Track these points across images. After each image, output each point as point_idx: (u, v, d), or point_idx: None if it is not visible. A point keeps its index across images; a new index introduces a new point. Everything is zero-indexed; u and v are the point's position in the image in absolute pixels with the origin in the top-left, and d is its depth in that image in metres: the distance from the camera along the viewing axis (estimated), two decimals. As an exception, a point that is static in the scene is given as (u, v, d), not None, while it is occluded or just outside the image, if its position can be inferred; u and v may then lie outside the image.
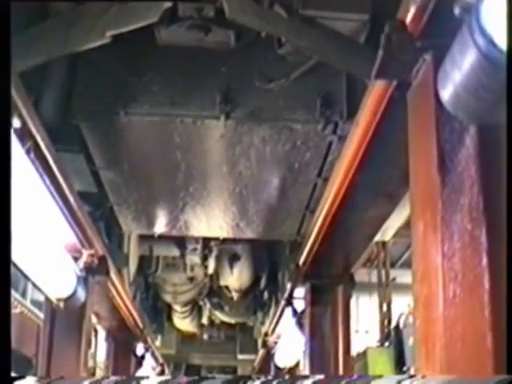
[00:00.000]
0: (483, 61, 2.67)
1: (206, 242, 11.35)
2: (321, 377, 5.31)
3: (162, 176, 6.92)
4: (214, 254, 11.69)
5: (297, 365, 11.43)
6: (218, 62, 5.68)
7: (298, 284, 8.26)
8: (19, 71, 4.21)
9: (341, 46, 4.53)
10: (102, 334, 11.89)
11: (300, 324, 8.80)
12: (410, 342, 12.08)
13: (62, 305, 6.30)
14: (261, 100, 5.71)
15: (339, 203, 5.90)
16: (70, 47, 4.75)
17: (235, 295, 13.74)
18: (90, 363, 12.34)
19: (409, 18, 3.46)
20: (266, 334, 12.82)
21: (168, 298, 14.00)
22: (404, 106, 3.86)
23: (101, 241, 7.08)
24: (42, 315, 10.28)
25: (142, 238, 10.48)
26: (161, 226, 8.31)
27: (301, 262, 7.70)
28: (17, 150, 4.29)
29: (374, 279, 15.43)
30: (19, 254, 5.06)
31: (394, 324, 13.98)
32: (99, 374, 15.26)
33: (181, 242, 11.24)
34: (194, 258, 11.81)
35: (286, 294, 9.04)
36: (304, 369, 8.34)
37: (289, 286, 8.66)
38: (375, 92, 4.19)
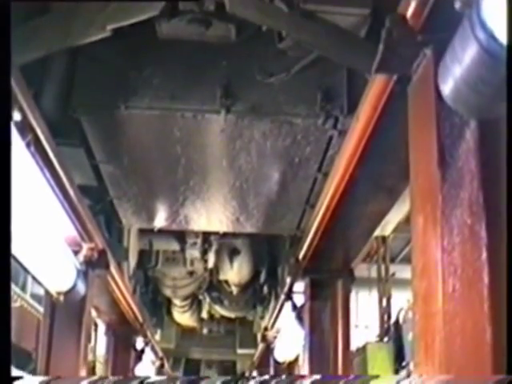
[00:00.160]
0: (484, 55, 2.67)
1: (206, 236, 11.37)
2: (318, 377, 5.32)
3: (162, 170, 6.92)
4: (213, 248, 11.71)
5: (296, 359, 11.44)
6: (218, 56, 5.67)
7: (297, 278, 8.26)
8: (20, 64, 4.21)
9: (341, 40, 4.52)
10: (101, 327, 11.90)
11: (299, 318, 8.81)
12: (409, 337, 12.09)
13: (61, 298, 6.31)
14: (261, 94, 5.71)
15: (339, 198, 5.90)
16: (70, 41, 4.75)
17: (235, 289, 13.75)
18: (90, 357, 12.37)
19: (409, 13, 3.45)
20: (265, 329, 12.83)
21: (168, 292, 14.01)
22: (404, 100, 3.86)
23: (101, 234, 7.09)
24: (41, 309, 10.29)
25: (142, 232, 10.49)
26: (161, 220, 8.31)
27: (301, 256, 7.71)
28: (17, 143, 4.29)
29: (374, 274, 15.44)
30: (19, 247, 5.06)
31: (393, 319, 13.99)
32: (99, 367, 15.29)
33: (181, 236, 11.26)
34: (193, 252, 11.82)
35: (286, 289, 9.04)
36: (303, 363, 8.35)
37: (288, 280, 8.67)
38: (376, 86, 4.19)
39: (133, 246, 10.23)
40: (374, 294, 15.40)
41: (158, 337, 15.85)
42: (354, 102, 5.10)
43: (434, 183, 3.31)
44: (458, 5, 2.84)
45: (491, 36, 2.61)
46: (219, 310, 15.46)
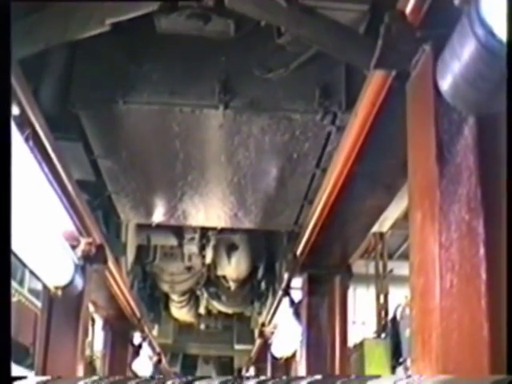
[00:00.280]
0: (482, 51, 2.67)
1: (204, 231, 11.38)
2: (317, 377, 5.32)
3: (160, 165, 6.92)
4: (211, 243, 11.71)
5: (293, 355, 11.45)
6: (217, 52, 5.67)
7: (295, 274, 8.26)
8: (18, 59, 4.21)
9: (340, 36, 4.52)
10: (99, 322, 11.91)
11: (297, 314, 8.81)
12: (406, 333, 12.14)
13: (59, 293, 6.31)
14: (260, 90, 5.71)
15: (337, 193, 5.90)
16: (69, 35, 4.74)
17: (232, 285, 13.75)
18: (87, 352, 12.38)
19: (409, 9, 3.45)
20: (262, 324, 12.84)
21: (165, 287, 14.01)
22: (403, 96, 3.86)
23: (99, 229, 7.09)
24: (39, 304, 10.30)
25: (140, 227, 10.49)
26: (159, 215, 8.31)
27: (298, 252, 7.71)
28: (16, 137, 4.29)
29: (372, 271, 15.48)
30: (17, 241, 5.06)
31: (390, 316, 14.03)
32: (96, 362, 15.29)
33: (179, 231, 11.26)
34: (191, 248, 11.83)
35: (284, 284, 9.05)
36: (300, 359, 8.35)
37: (286, 276, 8.67)
38: (374, 82, 4.19)
39: (131, 241, 10.23)
40: (372, 290, 15.46)
41: (155, 332, 15.86)
42: (353, 98, 5.10)
43: (432, 179, 3.31)
44: (457, 1, 2.84)
45: (490, 32, 2.61)
46: (217, 306, 15.47)
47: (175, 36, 5.49)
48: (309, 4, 4.61)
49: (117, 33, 4.82)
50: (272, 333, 12.35)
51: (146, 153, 6.65)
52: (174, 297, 15.18)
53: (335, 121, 5.78)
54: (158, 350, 15.36)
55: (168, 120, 5.93)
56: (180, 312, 16.38)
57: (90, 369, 15.30)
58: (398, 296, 13.76)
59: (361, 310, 17.65)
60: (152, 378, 13.81)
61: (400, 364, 12.83)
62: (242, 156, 6.51)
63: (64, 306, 6.82)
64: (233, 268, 12.47)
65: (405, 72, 3.73)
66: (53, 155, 5.04)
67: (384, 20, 3.51)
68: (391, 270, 15.48)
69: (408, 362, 11.92)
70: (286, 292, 9.12)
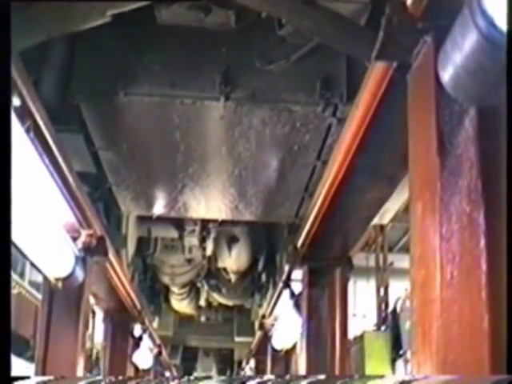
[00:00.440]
0: (484, 42, 2.67)
1: (205, 223, 11.39)
2: (319, 377, 5.33)
3: (161, 157, 6.93)
4: (212, 235, 11.72)
5: (294, 347, 11.47)
6: (218, 43, 5.67)
7: (295, 266, 8.26)
8: (19, 50, 4.21)
9: (341, 27, 4.51)
10: (99, 315, 11.92)
11: (297, 306, 8.81)
12: (406, 326, 12.15)
13: (60, 284, 6.31)
14: (261, 81, 5.71)
15: (338, 185, 5.89)
16: (70, 27, 4.74)
17: (233, 277, 13.76)
18: (88, 344, 12.39)
19: (410, 0, 3.45)
20: (263, 316, 12.85)
21: (166, 279, 14.03)
22: (404, 88, 3.85)
23: (99, 221, 7.09)
24: (39, 296, 10.31)
25: (141, 220, 10.50)
26: (159, 207, 8.32)
27: (299, 244, 7.71)
28: (16, 128, 4.29)
29: (372, 263, 15.48)
30: (18, 233, 5.06)
31: (391, 308, 14.03)
32: (96, 355, 15.32)
33: (179, 223, 11.28)
34: (192, 240, 11.85)
35: (284, 277, 9.05)
36: (301, 351, 8.36)
37: (287, 268, 8.68)
38: (375, 74, 4.18)
39: (131, 233, 10.24)
40: (372, 283, 15.45)
41: (155, 324, 15.89)
42: (354, 89, 5.10)
43: (433, 171, 3.31)
44: (458, -8, 2.84)
45: (491, 23, 2.61)
46: (217, 298, 15.49)
47: (176, 27, 5.49)
48: (310, -5, 4.60)
49: (117, 24, 4.82)
50: (272, 325, 12.36)
51: (146, 145, 6.65)
52: (175, 289, 15.20)
53: (336, 113, 5.78)
54: (158, 342, 15.38)
55: (169, 112, 5.94)
56: (180, 304, 16.40)
57: (91, 361, 15.35)
58: (399, 289, 13.77)
59: (361, 303, 17.66)
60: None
61: (400, 356, 12.85)
62: (243, 148, 6.51)
63: (64, 298, 6.82)
64: (233, 260, 12.48)
65: (406, 63, 3.73)
66: (53, 147, 5.04)
67: (385, 11, 3.51)
68: (391, 263, 15.47)
69: (408, 355, 11.93)
70: (287, 284, 9.12)
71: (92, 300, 9.20)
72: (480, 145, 3.13)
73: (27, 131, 4.52)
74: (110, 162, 7.00)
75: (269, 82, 5.70)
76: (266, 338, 13.52)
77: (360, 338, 13.07)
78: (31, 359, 10.76)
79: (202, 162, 6.93)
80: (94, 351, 16.26)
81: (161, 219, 9.82)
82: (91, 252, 6.92)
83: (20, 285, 14.84)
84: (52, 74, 5.63)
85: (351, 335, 11.22)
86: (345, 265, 7.96)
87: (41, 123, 4.69)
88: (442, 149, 3.27)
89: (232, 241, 11.91)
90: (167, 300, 16.14)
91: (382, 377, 7.33)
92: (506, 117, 2.91)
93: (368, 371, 12.69)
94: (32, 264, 6.20)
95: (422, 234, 3.44)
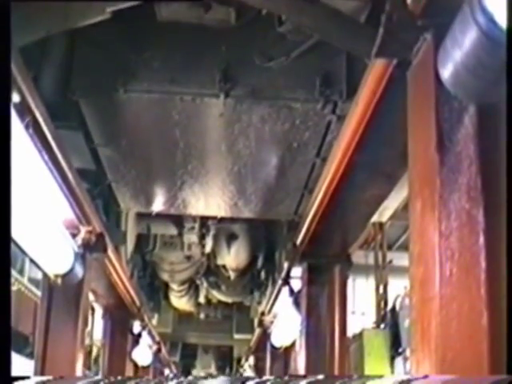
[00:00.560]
0: (484, 39, 2.67)
1: (204, 220, 11.38)
2: (318, 377, 5.33)
3: (160, 154, 6.93)
4: (211, 232, 11.71)
5: (293, 344, 11.47)
6: (218, 40, 5.67)
7: (295, 263, 8.27)
8: (19, 46, 4.20)
9: (341, 24, 4.50)
10: (98, 311, 11.93)
11: (297, 303, 8.82)
12: (405, 323, 12.14)
13: (59, 281, 6.31)
14: (260, 78, 5.71)
15: (337, 183, 5.90)
16: (69, 23, 4.74)
17: (232, 274, 13.76)
18: (87, 341, 12.40)
19: (410, -3, 3.45)
20: (262, 314, 12.85)
21: (165, 276, 14.03)
22: (404, 85, 3.85)
23: (99, 218, 7.09)
24: (39, 293, 10.30)
25: (140, 216, 10.49)
26: (159, 204, 8.32)
27: (298, 241, 7.71)
28: (16, 124, 4.28)
29: (371, 261, 15.48)
30: (18, 229, 5.06)
31: (390, 306, 14.04)
32: (96, 351, 15.32)
33: (178, 220, 11.27)
34: (191, 237, 11.85)
35: (283, 274, 9.06)
36: (300, 349, 8.37)
37: (286, 265, 8.69)
38: (375, 71, 4.18)
39: (131, 229, 10.23)
40: (371, 281, 15.44)
41: (155, 321, 15.90)
42: (353, 86, 5.10)
43: (432, 168, 3.31)
44: (458, -11, 2.84)
45: (491, 20, 2.61)
46: (216, 295, 15.49)
47: (176, 24, 5.49)
48: (310, -8, 4.60)
49: (117, 21, 4.82)
50: (271, 322, 12.37)
51: (146, 141, 6.65)
52: (174, 286, 15.20)
53: (336, 110, 5.78)
54: (157, 339, 15.40)
55: (168, 108, 5.93)
56: (180, 301, 16.41)
57: (90, 358, 15.36)
58: (398, 287, 13.76)
59: (360, 301, 17.67)
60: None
61: (399, 354, 12.84)
62: (243, 145, 6.51)
63: (64, 295, 6.82)
64: (232, 257, 12.48)
65: (406, 61, 3.73)
66: (53, 143, 5.04)
67: (385, 8, 3.51)
68: (390, 261, 15.46)
69: (407, 353, 11.93)
70: (286, 281, 9.12)
71: (91, 297, 9.20)
72: (479, 142, 3.13)
73: (27, 127, 4.52)
74: (109, 159, 7.00)
75: (268, 79, 5.70)
76: (266, 335, 13.53)
77: (359, 336, 13.06)
78: (30, 356, 10.75)
79: (201, 159, 6.93)
80: (94, 348, 16.28)
81: (160, 216, 9.82)
82: (90, 248, 6.92)
83: (19, 282, 14.82)
84: (52, 70, 5.62)
85: (350, 333, 11.21)
86: (344, 262, 7.96)
87: (40, 119, 4.69)
88: (442, 146, 3.28)
89: (231, 238, 11.91)
90: (166, 297, 16.14)
91: (380, 377, 7.32)
92: (506, 114, 2.91)
93: (367, 369, 12.70)
94: (31, 260, 6.21)
95: (422, 231, 3.45)
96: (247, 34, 5.63)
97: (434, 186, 3.28)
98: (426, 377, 3.23)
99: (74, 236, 6.60)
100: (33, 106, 4.52)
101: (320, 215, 6.71)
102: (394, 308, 13.65)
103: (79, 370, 7.01)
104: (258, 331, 14.32)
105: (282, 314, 10.50)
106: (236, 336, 18.57)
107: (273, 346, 13.04)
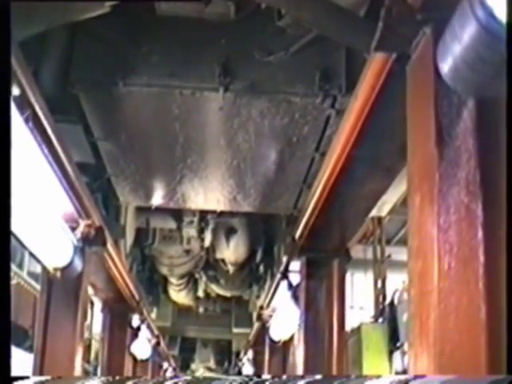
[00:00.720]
0: (483, 33, 2.67)
1: (203, 214, 11.39)
2: (316, 377, 5.34)
3: (160, 148, 6.93)
4: (210, 226, 11.72)
5: (291, 338, 11.49)
6: (217, 34, 5.67)
7: (293, 257, 8.27)
8: (19, 40, 4.20)
9: (341, 19, 4.50)
10: (98, 305, 11.94)
11: (295, 297, 8.83)
12: (403, 318, 12.18)
13: (58, 274, 6.32)
14: (260, 73, 5.71)
15: (336, 177, 5.90)
16: (69, 17, 4.74)
17: (231, 268, 13.77)
18: (86, 335, 12.41)
19: (409, -9, 3.45)
20: (261, 308, 12.86)
21: (164, 270, 14.05)
22: (403, 79, 3.86)
23: (98, 211, 7.10)
24: (38, 286, 10.32)
25: (139, 210, 10.51)
26: (158, 198, 8.33)
27: (297, 235, 7.72)
28: (16, 118, 4.29)
29: (370, 256, 15.52)
30: (17, 222, 5.07)
31: (388, 300, 14.07)
32: (95, 345, 15.35)
33: (178, 214, 11.28)
34: (190, 231, 11.86)
35: (282, 268, 9.06)
36: (298, 343, 8.38)
37: (284, 259, 8.69)
38: (374, 65, 4.18)
39: (130, 223, 10.25)
40: (370, 275, 15.49)
41: (154, 315, 15.92)
42: (353, 81, 5.10)
43: (431, 162, 3.32)
44: (457, -17, 2.84)
45: (490, 14, 2.61)
46: (215, 289, 15.51)
47: (175, 18, 5.50)
48: (309, -14, 4.60)
49: (117, 14, 4.82)
50: (270, 316, 12.38)
51: (145, 135, 6.66)
52: (173, 280, 15.22)
53: (335, 104, 5.78)
54: (156, 332, 15.41)
55: (168, 102, 5.94)
56: (179, 295, 16.43)
57: (89, 351, 15.38)
58: (396, 281, 13.79)
59: (359, 295, 17.71)
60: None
61: (397, 348, 12.88)
62: (242, 139, 6.51)
63: (63, 289, 6.83)
64: (231, 251, 12.49)
65: (405, 55, 3.73)
66: (53, 137, 5.04)
67: (384, 2, 3.51)
68: (389, 256, 15.50)
69: (405, 347, 11.96)
70: (285, 275, 9.13)
71: (90, 290, 9.21)
72: (478, 136, 3.14)
73: (26, 121, 4.52)
74: (108, 153, 7.00)
75: (268, 73, 5.70)
76: (264, 329, 13.54)
77: (357, 330, 13.10)
78: (30, 349, 10.78)
79: (200, 153, 6.93)
80: (93, 341, 16.30)
81: (159, 210, 9.84)
82: (90, 242, 6.93)
83: (19, 275, 14.84)
84: (51, 64, 5.62)
85: (348, 327, 11.24)
86: (343, 256, 7.97)
87: (40, 113, 4.70)
88: (441, 140, 3.28)
89: (230, 232, 11.92)
90: (165, 291, 16.16)
91: (378, 377, 7.34)
92: (506, 108, 2.92)
93: (365, 363, 12.74)
94: (31, 254, 6.21)
95: (420, 225, 3.45)
96: (247, 28, 5.63)
97: (433, 180, 3.29)
98: (423, 376, 3.24)
99: (73, 229, 6.60)
100: (33, 99, 4.52)
101: (319, 209, 6.72)
102: (392, 302, 13.68)
103: (78, 363, 7.02)
104: (256, 325, 14.34)
105: (281, 308, 10.52)
106: (235, 330, 18.59)
107: (271, 340, 13.05)
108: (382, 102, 4.51)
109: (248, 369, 18.17)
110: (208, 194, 8.11)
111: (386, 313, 13.70)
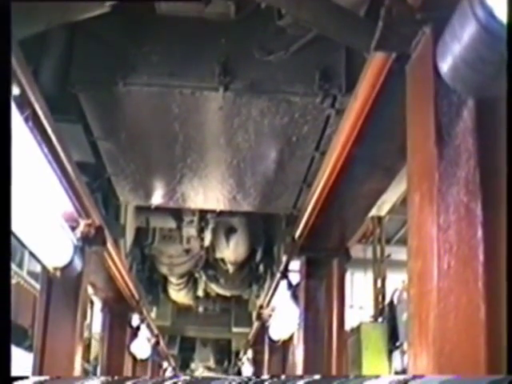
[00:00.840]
0: (483, 33, 2.67)
1: (203, 214, 11.39)
2: (315, 377, 5.34)
3: (159, 147, 6.93)
4: (210, 226, 11.72)
5: (291, 338, 11.49)
6: (217, 34, 5.67)
7: (293, 257, 8.28)
8: (18, 40, 4.20)
9: (341, 18, 4.50)
10: (97, 305, 11.94)
11: (295, 297, 8.83)
12: (403, 317, 12.18)
13: (58, 274, 6.32)
14: (260, 72, 5.71)
15: (336, 176, 5.90)
16: (69, 16, 4.74)
17: (231, 268, 13.77)
18: (86, 334, 12.41)
19: (409, -9, 3.46)
20: (260, 307, 12.86)
21: (164, 269, 14.04)
22: (403, 79, 3.86)
23: (98, 211, 7.10)
24: (38, 286, 10.31)
25: (139, 210, 10.51)
26: (158, 198, 8.33)
27: (297, 235, 7.72)
28: (16, 117, 4.29)
29: (369, 255, 15.52)
30: (17, 222, 5.07)
31: (388, 300, 14.07)
32: (94, 345, 15.34)
33: (177, 213, 11.28)
34: (190, 230, 11.86)
35: (282, 267, 9.07)
36: (298, 342, 8.39)
37: (284, 258, 8.69)
38: (374, 65, 4.18)
39: (130, 223, 10.25)
40: (369, 275, 15.50)
41: (153, 314, 15.93)
42: (353, 80, 5.10)
43: (431, 161, 3.32)
44: (457, -17, 2.84)
45: (490, 14, 2.61)
46: (215, 289, 15.51)
47: (175, 18, 5.50)
48: (309, -14, 4.60)
49: (117, 14, 4.82)
50: (270, 315, 12.38)
51: (145, 135, 6.66)
52: (173, 279, 15.22)
53: (335, 104, 5.79)
54: (156, 332, 15.42)
55: (168, 102, 5.94)
56: (178, 294, 16.42)
57: (89, 351, 15.37)
58: (396, 281, 13.80)
59: (358, 294, 17.72)
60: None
61: (397, 348, 12.89)
62: (242, 138, 6.51)
63: (63, 288, 6.83)
64: (231, 251, 12.49)
65: (405, 54, 3.73)
66: (52, 136, 5.04)
67: (384, 2, 3.51)
68: (389, 255, 15.52)
69: (405, 346, 11.97)
70: (284, 275, 9.14)
71: (90, 290, 9.21)
72: (478, 136, 3.14)
73: (26, 120, 4.53)
74: (108, 152, 7.00)
75: (268, 72, 5.70)
76: (264, 328, 13.54)
77: (357, 330, 13.10)
78: (29, 348, 10.77)
79: (200, 153, 6.94)
80: (92, 341, 16.30)
81: (159, 209, 9.84)
82: (89, 241, 6.93)
83: (19, 275, 14.84)
84: (51, 63, 5.63)
85: (348, 326, 11.24)
86: (342, 256, 7.97)
87: (40, 113, 4.70)
88: (440, 140, 3.28)
89: (230, 231, 11.91)
90: (165, 290, 16.16)
91: (377, 377, 7.34)
92: (506, 108, 2.92)
93: (365, 362, 12.74)
94: (30, 253, 6.21)
95: (420, 225, 3.46)
96: (246, 27, 5.63)
97: (433, 179, 3.29)
98: (422, 376, 3.24)
99: (73, 229, 6.60)
100: (32, 99, 4.52)
101: (319, 209, 6.72)
102: (391, 302, 13.69)
103: (78, 362, 7.02)
104: (256, 324, 14.34)
105: (281, 307, 10.52)
106: (234, 329, 18.58)
107: (271, 340, 13.06)
108: (382, 102, 4.51)
109: (247, 368, 18.18)
110: (208, 193, 8.11)
111: (386, 312, 13.71)
